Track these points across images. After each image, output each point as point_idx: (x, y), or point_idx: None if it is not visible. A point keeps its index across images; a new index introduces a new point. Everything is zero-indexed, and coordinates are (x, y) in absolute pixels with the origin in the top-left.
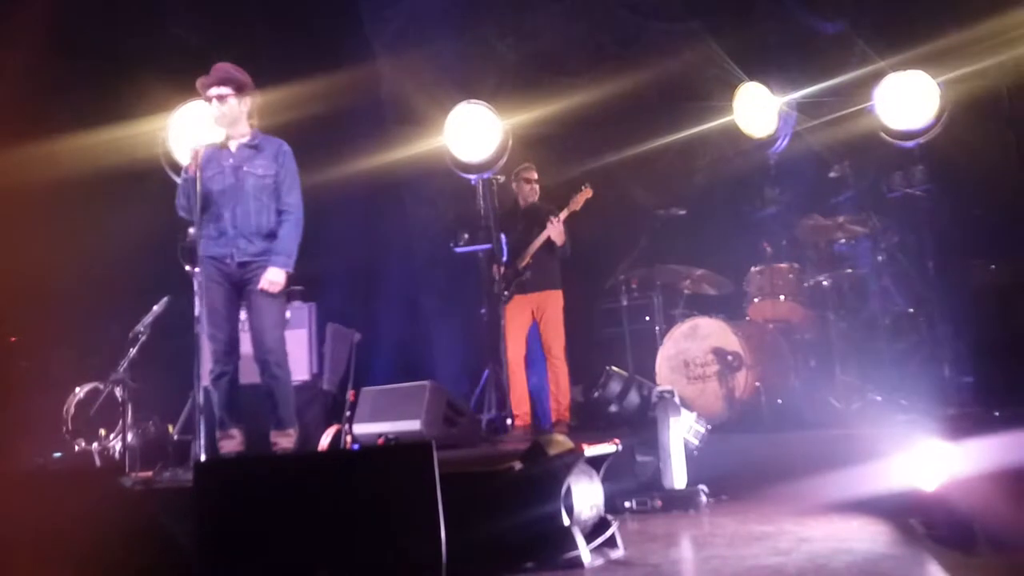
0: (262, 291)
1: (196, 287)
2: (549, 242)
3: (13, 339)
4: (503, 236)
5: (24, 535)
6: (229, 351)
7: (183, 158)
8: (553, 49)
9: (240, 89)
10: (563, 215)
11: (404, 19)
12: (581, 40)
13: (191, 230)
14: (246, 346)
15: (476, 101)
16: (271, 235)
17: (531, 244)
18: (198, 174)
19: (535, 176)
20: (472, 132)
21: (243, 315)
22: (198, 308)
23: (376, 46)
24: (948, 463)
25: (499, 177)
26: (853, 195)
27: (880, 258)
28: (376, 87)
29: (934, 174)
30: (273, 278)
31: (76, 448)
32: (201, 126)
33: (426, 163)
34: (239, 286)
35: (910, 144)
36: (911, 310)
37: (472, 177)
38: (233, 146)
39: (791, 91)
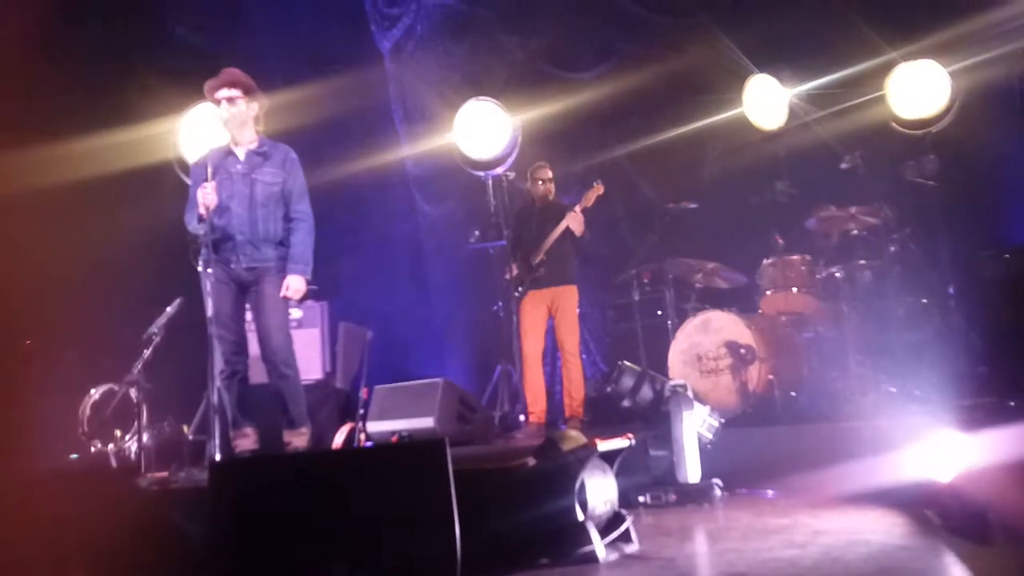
0: (268, 292)
1: (207, 288)
2: (568, 235)
3: (28, 342)
4: (516, 233)
5: (42, 536)
6: (237, 351)
7: (192, 159)
8: (561, 45)
9: (248, 92)
10: (577, 210)
11: (411, 17)
12: (589, 35)
13: (201, 232)
14: (254, 346)
15: (485, 98)
16: (279, 242)
17: (546, 239)
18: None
19: (549, 175)
20: (481, 129)
21: (248, 316)
22: (209, 309)
23: (383, 44)
24: (963, 454)
25: (509, 174)
26: (865, 186)
27: (893, 249)
28: (384, 85)
29: (946, 164)
30: (296, 286)
31: (92, 449)
32: (212, 130)
33: (436, 161)
34: (245, 287)
35: (920, 133)
36: (924, 301)
37: (482, 174)
38: (241, 153)
39: (801, 83)
